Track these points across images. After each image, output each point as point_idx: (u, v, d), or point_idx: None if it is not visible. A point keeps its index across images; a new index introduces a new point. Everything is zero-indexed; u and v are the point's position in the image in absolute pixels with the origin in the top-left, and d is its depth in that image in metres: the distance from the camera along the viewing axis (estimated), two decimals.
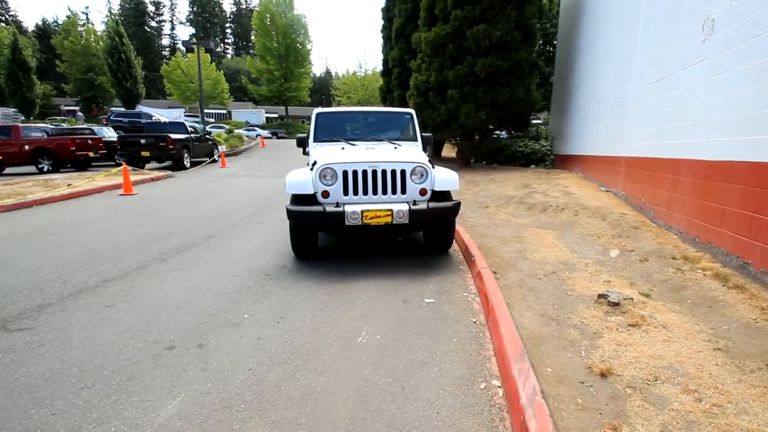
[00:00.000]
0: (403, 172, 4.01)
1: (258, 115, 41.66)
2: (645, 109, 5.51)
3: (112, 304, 3.15)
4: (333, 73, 78.78)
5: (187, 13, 65.13)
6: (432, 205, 3.91)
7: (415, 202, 3.92)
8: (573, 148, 10.26)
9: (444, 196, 4.17)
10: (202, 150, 15.07)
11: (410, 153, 4.44)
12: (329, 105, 54.12)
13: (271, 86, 37.03)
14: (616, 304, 2.84)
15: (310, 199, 3.96)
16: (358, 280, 3.67)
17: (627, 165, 6.06)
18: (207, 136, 16.03)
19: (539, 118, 23.08)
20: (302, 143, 5.28)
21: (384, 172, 3.99)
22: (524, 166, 12.67)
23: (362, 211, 3.73)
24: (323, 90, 65.95)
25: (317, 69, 73.40)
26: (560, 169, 11.02)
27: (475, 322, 2.82)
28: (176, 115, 25.89)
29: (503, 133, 15.79)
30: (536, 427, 1.57)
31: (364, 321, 2.84)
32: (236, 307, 3.09)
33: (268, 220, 6.34)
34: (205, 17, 63.16)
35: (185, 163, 13.32)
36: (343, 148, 4.68)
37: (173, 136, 12.68)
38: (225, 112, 41.30)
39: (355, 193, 3.97)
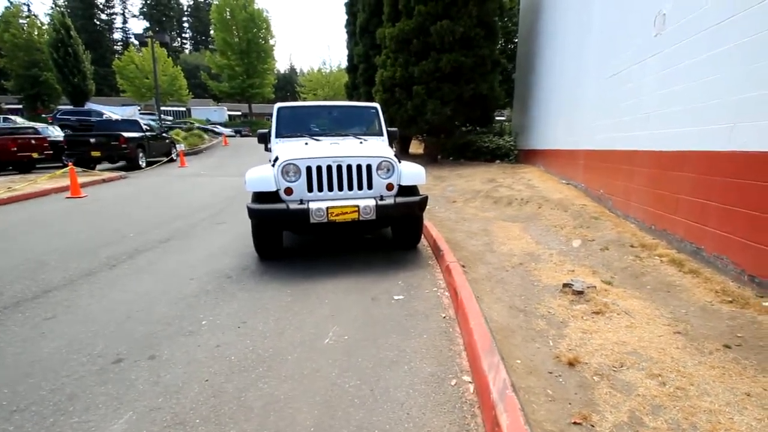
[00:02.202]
0: (369, 167, 3.92)
1: (220, 112, 40.20)
2: (601, 103, 5.69)
3: (52, 316, 2.87)
4: (298, 70, 77.37)
5: (141, 6, 61.71)
6: (399, 200, 3.84)
7: (382, 198, 3.84)
8: (535, 143, 10.52)
9: (411, 190, 4.11)
10: (158, 149, 14.33)
11: (376, 147, 4.36)
12: (294, 101, 53.07)
13: (232, 82, 35.84)
14: (581, 293, 2.88)
15: (272, 196, 3.79)
16: (325, 279, 3.55)
17: (585, 158, 6.25)
18: (164, 134, 15.26)
19: (502, 115, 23.64)
20: (264, 139, 5.07)
21: (349, 167, 3.87)
22: (489, 161, 12.88)
23: (327, 208, 3.61)
24: (288, 87, 64.57)
25: (281, 66, 71.78)
26: (524, 163, 11.29)
27: (444, 317, 2.77)
28: (130, 112, 24.47)
29: (468, 129, 16.03)
30: (507, 423, 1.53)
31: (331, 321, 2.73)
32: (193, 313, 2.89)
33: (231, 220, 6.07)
34: (160, 10, 60.09)
35: (140, 162, 12.61)
36: (306, 144, 4.53)
37: (126, 134, 11.96)
38: (184, 109, 39.57)
39: (320, 189, 3.83)
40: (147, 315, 2.87)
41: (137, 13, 61.23)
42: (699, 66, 3.44)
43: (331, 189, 3.85)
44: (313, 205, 3.61)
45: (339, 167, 3.86)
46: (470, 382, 2.02)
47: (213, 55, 36.71)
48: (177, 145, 15.30)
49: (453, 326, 2.64)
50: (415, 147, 17.64)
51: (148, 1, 60.14)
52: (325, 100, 46.23)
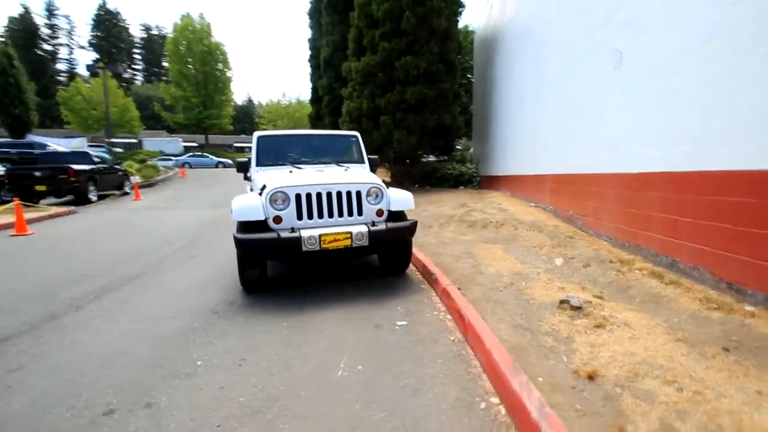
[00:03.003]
0: (358, 193, 3.91)
1: (174, 143, 38.77)
2: (564, 132, 6.12)
3: (17, 367, 2.53)
4: (256, 102, 77.11)
5: (90, 38, 59.36)
6: (391, 225, 3.84)
7: (374, 224, 3.82)
8: (498, 170, 11.03)
9: (398, 216, 4.14)
10: (110, 182, 13.50)
11: (362, 174, 4.38)
12: (259, 131, 52.47)
13: (188, 114, 34.94)
14: (579, 308, 2.97)
15: (260, 225, 3.66)
16: (319, 309, 3.42)
17: (552, 182, 6.63)
18: (116, 166, 14.44)
19: (459, 144, 24.73)
20: (243, 168, 4.94)
21: (339, 194, 3.85)
22: (454, 187, 13.29)
23: (320, 236, 3.53)
24: (246, 118, 63.99)
25: (239, 97, 71.29)
26: (488, 189, 11.75)
27: (453, 340, 2.74)
28: (77, 144, 23.02)
29: (430, 157, 16.56)
30: None
31: (338, 352, 2.61)
32: (183, 354, 2.66)
33: (202, 253, 5.76)
34: (110, 41, 58.14)
35: (90, 196, 11.78)
36: (291, 172, 4.47)
37: (76, 167, 11.19)
38: (135, 141, 37.85)
39: (310, 217, 3.76)
40: (130, 359, 2.60)
41: (85, 44, 58.78)
42: (657, 96, 3.83)
43: (321, 216, 3.79)
44: (305, 233, 3.52)
45: (329, 194, 3.82)
46: (499, 404, 1.99)
47: (168, 86, 35.79)
48: (131, 178, 14.50)
49: (464, 348, 2.61)
50: (382, 174, 17.87)
51: (98, 33, 58.08)
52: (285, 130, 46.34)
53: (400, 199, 4.11)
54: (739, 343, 2.33)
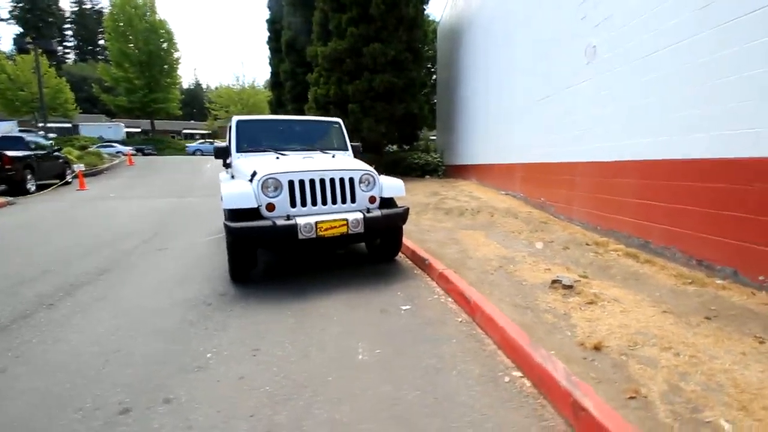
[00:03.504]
0: (351, 180, 3.88)
1: (116, 129, 35.84)
2: (534, 123, 6.41)
3: (1, 369, 2.29)
4: (204, 86, 73.04)
5: (10, 9, 52.67)
6: (386, 212, 3.86)
7: (368, 210, 3.82)
8: (464, 159, 11.33)
9: (389, 203, 4.16)
10: (49, 170, 12.31)
11: (352, 161, 4.34)
12: (205, 119, 49.88)
13: (131, 96, 32.43)
14: (570, 287, 3.18)
15: (251, 213, 3.53)
16: (318, 296, 3.39)
17: (522, 171, 6.93)
18: (56, 152, 13.16)
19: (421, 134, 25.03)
20: (223, 154, 4.72)
21: (332, 180, 3.80)
22: (420, 176, 13.47)
23: (316, 223, 3.48)
24: (194, 103, 60.40)
25: (185, 81, 66.98)
26: (454, 178, 12.05)
27: (460, 321, 2.84)
28: (7, 128, 20.63)
29: (393, 147, 16.64)
30: (592, 404, 1.64)
31: (351, 337, 2.62)
32: (188, 347, 2.54)
33: (172, 245, 5.45)
34: (37, 15, 51.98)
35: (28, 186, 10.68)
36: (278, 158, 4.34)
37: (10, 153, 10.07)
38: (70, 125, 34.53)
39: (303, 204, 3.68)
40: (129, 356, 2.45)
41: (7, 17, 52.11)
42: (629, 89, 4.12)
43: (315, 204, 3.72)
44: (300, 221, 3.45)
45: (322, 181, 3.76)
46: (521, 377, 2.11)
47: (107, 66, 32.91)
48: (74, 166, 13.30)
49: (474, 328, 2.72)
50: None
51: (22, 5, 51.70)
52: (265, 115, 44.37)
53: (391, 186, 4.13)
54: (718, 312, 2.62)
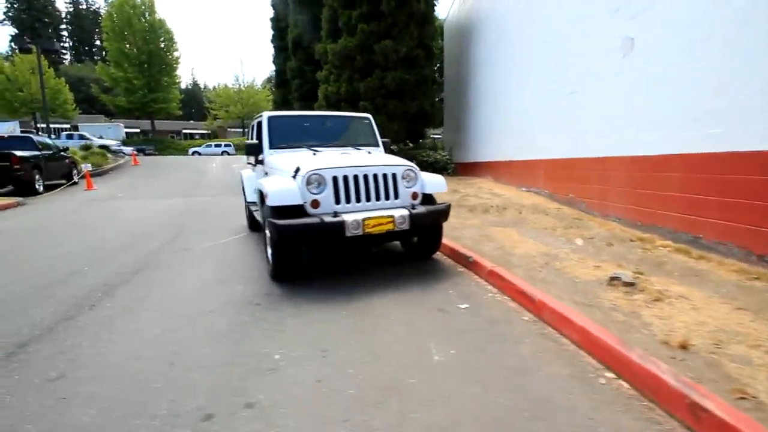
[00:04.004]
0: (394, 176, 3.79)
1: (115, 129, 35.44)
2: (560, 117, 6.32)
3: (58, 375, 2.19)
4: (202, 85, 72.68)
5: (5, 9, 52.05)
6: (430, 208, 3.77)
7: (413, 207, 3.73)
8: (477, 156, 11.24)
9: (430, 199, 4.07)
10: (57, 170, 12.14)
11: (390, 157, 4.25)
12: (203, 119, 49.64)
13: (131, 97, 32.17)
14: (632, 284, 3.09)
15: (295, 211, 3.43)
16: (367, 296, 3.29)
17: (547, 167, 6.85)
18: (63, 152, 12.98)
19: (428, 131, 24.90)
20: (255, 150, 4.61)
21: (375, 176, 3.70)
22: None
23: (364, 220, 3.38)
24: (192, 102, 60.03)
25: (183, 80, 66.58)
26: (466, 175, 11.95)
27: (527, 320, 2.75)
28: (10, 128, 20.37)
29: (399, 144, 16.52)
30: (714, 406, 1.55)
31: (418, 337, 2.52)
32: (252, 348, 2.44)
33: (196, 246, 5.33)
34: (33, 15, 51.38)
35: (37, 186, 10.52)
36: (314, 154, 4.24)
37: (19, 153, 9.90)
38: (69, 126, 34.17)
39: (348, 200, 3.59)
40: (192, 359, 2.34)
41: (1, 17, 51.53)
42: (669, 81, 4.04)
43: (359, 200, 3.62)
44: (348, 218, 3.35)
45: (365, 177, 3.66)
46: (616, 378, 2.02)
47: (106, 66, 32.63)
48: (82, 166, 13.13)
49: (544, 328, 2.62)
50: None
51: (17, 5, 51.12)
52: (238, 117, 44.22)
53: (433, 181, 4.04)
54: None
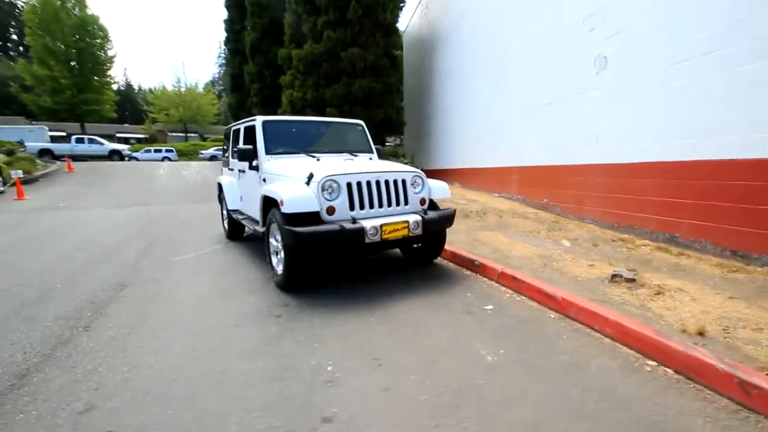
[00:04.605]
0: (404, 182, 3.83)
1: (39, 132, 31.74)
2: (535, 127, 6.75)
3: (86, 407, 1.95)
4: (136, 87, 67.74)
5: None
6: (441, 213, 3.85)
7: (425, 212, 3.79)
8: (443, 163, 11.60)
9: (434, 205, 4.16)
10: None
11: (395, 164, 4.28)
12: (139, 122, 46.26)
13: (57, 97, 29.22)
14: (633, 280, 3.37)
15: (309, 218, 3.34)
16: (389, 302, 3.28)
17: (520, 173, 7.25)
18: None
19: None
20: (248, 156, 4.40)
21: (387, 182, 3.72)
22: None
23: (381, 226, 3.38)
24: (126, 105, 55.67)
25: (117, 81, 61.61)
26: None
27: (554, 318, 2.90)
28: None
29: None
30: (764, 382, 1.75)
31: (462, 340, 2.57)
32: (295, 361, 2.34)
33: (178, 257, 4.98)
34: None
35: None
36: (318, 160, 4.17)
37: None
38: None
39: (362, 207, 3.57)
40: (236, 375, 2.19)
41: None
42: (644, 97, 4.50)
43: (371, 206, 3.62)
44: (366, 224, 3.33)
45: (377, 183, 3.67)
46: (658, 365, 2.20)
47: (28, 63, 29.34)
48: (11, 172, 11.67)
49: (573, 324, 2.78)
50: None
51: None
52: (180, 121, 41.77)
53: (439, 187, 4.14)
54: None
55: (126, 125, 50.51)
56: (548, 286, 3.17)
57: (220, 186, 6.06)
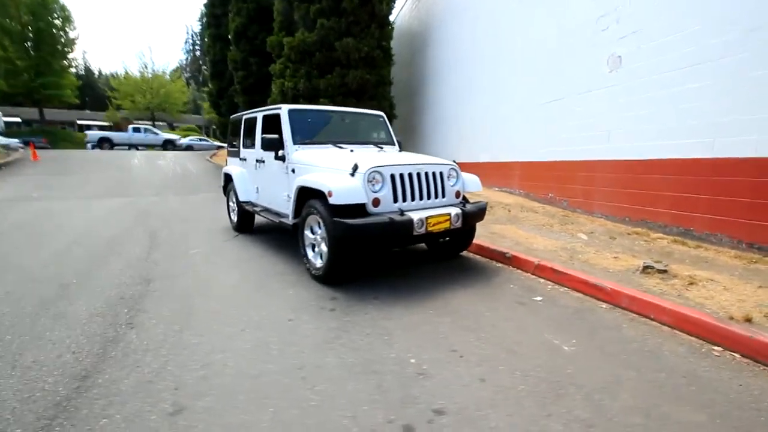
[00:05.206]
0: (441, 174, 3.84)
1: None
2: (542, 123, 6.89)
3: (176, 408, 1.84)
4: (96, 71, 63.79)
5: None
6: (478, 206, 3.90)
7: (464, 205, 3.81)
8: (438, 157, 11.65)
9: (465, 198, 4.19)
10: None
11: (428, 156, 4.27)
12: (101, 108, 43.68)
13: (13, 80, 27.15)
14: (665, 271, 3.53)
15: (356, 209, 3.29)
16: (439, 294, 3.28)
17: (523, 168, 7.41)
18: None
19: None
20: (275, 145, 4.25)
21: (427, 174, 3.71)
22: None
23: (426, 218, 3.37)
24: (87, 90, 52.37)
25: (76, 64, 57.81)
26: None
27: (605, 308, 3.00)
28: None
29: None
30: None
31: (529, 330, 2.61)
32: (375, 355, 2.30)
33: (192, 250, 4.76)
34: None
35: None
36: (352, 151, 4.10)
37: None
38: None
39: (404, 199, 3.54)
40: (322, 369, 2.13)
41: None
42: (662, 95, 4.70)
43: (413, 198, 3.60)
44: (414, 216, 3.31)
45: (418, 175, 3.65)
46: (724, 350, 2.32)
47: None
48: None
49: (627, 313, 2.89)
50: None
51: None
52: (147, 108, 39.81)
53: (472, 180, 4.17)
54: None
55: (87, 111, 47.65)
56: (593, 277, 3.27)
57: (228, 177, 5.84)
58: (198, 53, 68.10)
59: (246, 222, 5.60)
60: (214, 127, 17.98)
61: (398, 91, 14.91)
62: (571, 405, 1.83)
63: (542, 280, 3.66)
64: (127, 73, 42.06)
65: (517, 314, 2.89)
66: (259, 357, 2.28)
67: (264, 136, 4.30)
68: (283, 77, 11.77)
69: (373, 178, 3.38)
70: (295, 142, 4.22)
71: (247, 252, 4.68)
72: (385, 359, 2.25)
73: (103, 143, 25.19)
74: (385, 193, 3.42)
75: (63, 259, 4.29)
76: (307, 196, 3.68)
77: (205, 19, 17.20)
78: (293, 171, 4.11)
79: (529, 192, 7.25)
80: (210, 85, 17.04)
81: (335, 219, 3.18)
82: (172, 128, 43.12)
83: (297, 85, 11.42)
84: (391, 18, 15.59)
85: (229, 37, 15.28)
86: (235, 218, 5.78)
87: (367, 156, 3.77)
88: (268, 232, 5.70)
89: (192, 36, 67.68)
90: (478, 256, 4.52)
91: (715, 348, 2.37)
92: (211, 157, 21.75)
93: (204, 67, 55.06)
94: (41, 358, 2.26)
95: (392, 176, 3.48)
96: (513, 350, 2.34)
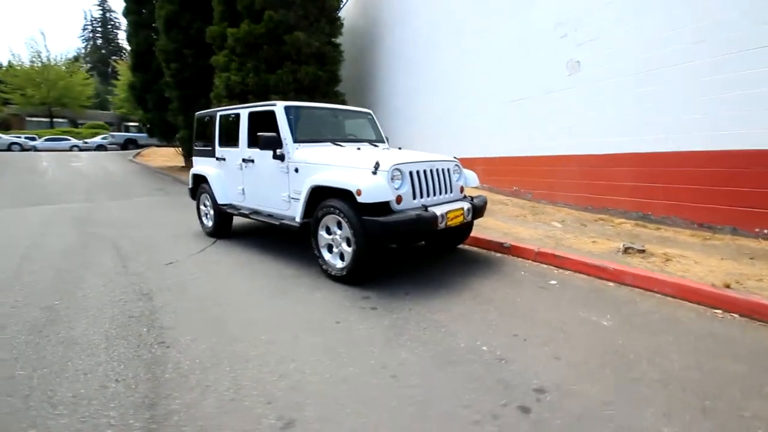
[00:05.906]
0: (448, 170, 3.99)
1: None
2: (505, 121, 7.37)
3: (285, 422, 1.74)
4: None
5: None
6: (482, 200, 4.12)
7: (472, 199, 4.00)
8: None
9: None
10: None
11: (434, 153, 4.38)
12: None
13: None
14: (643, 251, 4.05)
15: (380, 207, 3.30)
16: (464, 284, 3.44)
17: (486, 164, 7.86)
18: None
19: None
20: (273, 144, 4.05)
21: (438, 171, 3.84)
22: None
23: (446, 213, 3.51)
24: None
25: None
26: None
27: (613, 286, 3.37)
28: None
29: None
30: None
31: (564, 312, 2.86)
32: (448, 347, 2.37)
33: (176, 258, 4.38)
34: None
35: None
36: (359, 149, 4.07)
37: None
38: None
39: (422, 195, 3.63)
40: (401, 368, 2.15)
41: None
42: (619, 96, 5.33)
43: (428, 194, 3.70)
44: (437, 211, 3.43)
45: (432, 172, 3.76)
46: (724, 312, 2.77)
47: None
48: None
49: (633, 289, 3.27)
50: None
51: None
52: (42, 103, 34.64)
53: (471, 175, 4.37)
54: (754, 254, 3.83)
55: None
56: (595, 259, 3.65)
57: (199, 178, 5.41)
58: (100, 41, 60.70)
59: (224, 226, 5.26)
60: (147, 125, 16.26)
61: (348, 88, 14.82)
62: (643, 370, 2.08)
63: (545, 266, 3.98)
64: (12, 62, 36.24)
65: (543, 297, 3.13)
66: (334, 361, 2.22)
67: (263, 135, 4.07)
68: (228, 71, 11.07)
69: (395, 176, 3.41)
70: (296, 141, 4.07)
71: (238, 257, 4.42)
72: (457, 349, 2.33)
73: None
74: (407, 190, 3.48)
75: (24, 278, 3.69)
76: (321, 196, 3.60)
77: (125, 6, 15.39)
78: (296, 170, 3.97)
79: (493, 186, 7.72)
80: (137, 78, 15.37)
81: (365, 217, 3.16)
82: (75, 125, 38.11)
83: (245, 80, 10.84)
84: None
85: (155, 25, 13.94)
86: (209, 223, 5.39)
87: (383, 154, 3.78)
88: (248, 236, 5.42)
89: (92, 22, 60.24)
90: (474, 248, 4.75)
91: (716, 311, 2.81)
92: (134, 157, 19.77)
93: (113, 58, 49.23)
94: (81, 391, 1.98)
95: (411, 173, 3.54)
96: (563, 330, 2.56)
